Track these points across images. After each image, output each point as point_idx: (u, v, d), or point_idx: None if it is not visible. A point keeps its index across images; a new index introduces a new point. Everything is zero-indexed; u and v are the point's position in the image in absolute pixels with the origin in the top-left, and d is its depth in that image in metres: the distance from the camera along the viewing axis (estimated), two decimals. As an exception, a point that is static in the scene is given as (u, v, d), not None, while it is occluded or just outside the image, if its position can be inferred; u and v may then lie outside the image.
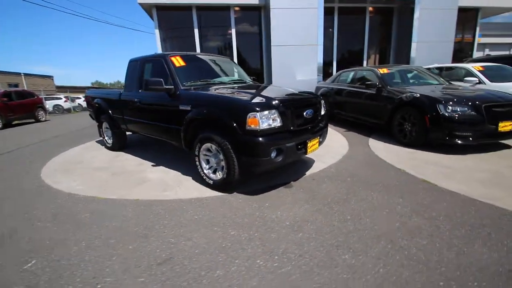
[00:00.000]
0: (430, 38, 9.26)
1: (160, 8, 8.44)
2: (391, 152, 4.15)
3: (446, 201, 2.48)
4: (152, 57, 3.82)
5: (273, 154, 2.54)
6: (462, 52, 11.01)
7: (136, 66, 3.94)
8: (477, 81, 5.57)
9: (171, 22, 8.95)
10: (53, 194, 3.09)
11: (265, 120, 2.49)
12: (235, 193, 2.87)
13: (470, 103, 3.86)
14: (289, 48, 8.48)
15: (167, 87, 3.20)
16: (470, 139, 3.83)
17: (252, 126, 2.47)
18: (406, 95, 4.44)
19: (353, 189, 2.83)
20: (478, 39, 11.14)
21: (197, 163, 3.07)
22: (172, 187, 3.13)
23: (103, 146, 5.41)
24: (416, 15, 9.03)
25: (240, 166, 2.67)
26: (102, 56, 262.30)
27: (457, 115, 3.83)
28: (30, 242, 2.08)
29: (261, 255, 1.80)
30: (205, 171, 3.04)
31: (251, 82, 4.05)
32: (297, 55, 8.52)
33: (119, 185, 3.28)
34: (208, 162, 3.05)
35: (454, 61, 9.93)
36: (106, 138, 5.11)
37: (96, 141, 6.14)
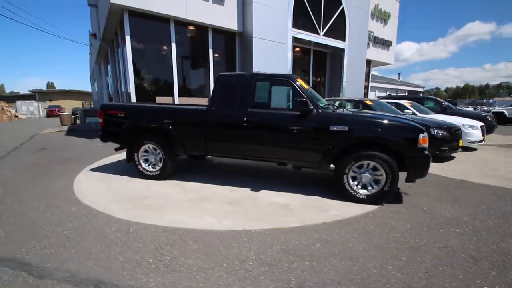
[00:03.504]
0: (352, 78, 12.37)
1: (133, 14, 7.28)
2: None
3: (496, 191, 3.84)
4: (270, 77, 3.65)
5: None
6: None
7: (239, 83, 3.61)
8: (412, 113, 8.14)
9: (145, 32, 7.83)
10: (222, 235, 2.44)
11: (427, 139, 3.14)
12: (383, 203, 3.26)
13: (445, 128, 5.83)
14: (267, 74, 9.21)
15: (311, 107, 3.26)
16: (447, 151, 5.76)
17: (422, 144, 3.06)
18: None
19: (448, 190, 3.82)
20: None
21: (345, 181, 3.26)
22: (322, 207, 3.14)
23: (124, 176, 4.23)
24: (345, 61, 11.91)
25: (396, 179, 3.13)
26: None
27: (441, 136, 5.68)
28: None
29: None
30: (354, 187, 3.26)
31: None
32: (273, 81, 9.35)
33: (266, 213, 2.95)
34: (354, 178, 3.29)
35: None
36: (144, 165, 4.05)
37: (92, 170, 4.62)
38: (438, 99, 11.07)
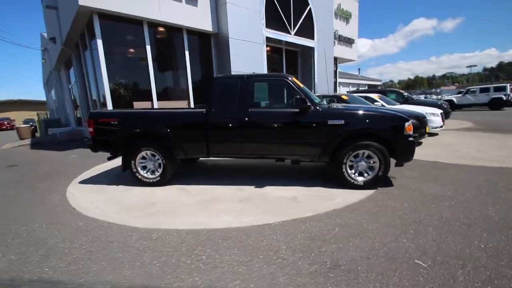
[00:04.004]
0: (322, 75, 13.00)
1: (104, 16, 6.91)
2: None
3: (464, 169, 4.44)
4: (267, 77, 3.79)
5: (415, 150, 3.61)
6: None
7: (237, 84, 3.69)
8: (380, 105, 8.86)
9: (118, 34, 7.47)
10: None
11: (411, 127, 3.54)
12: (378, 188, 3.60)
13: (415, 116, 6.49)
14: (245, 75, 9.35)
15: (309, 104, 3.48)
16: (417, 138, 6.42)
17: (408, 131, 3.45)
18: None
19: (426, 171, 4.32)
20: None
21: (344, 170, 3.55)
22: (327, 196, 3.38)
23: (120, 185, 4.09)
24: (315, 59, 12.50)
25: (388, 164, 3.49)
26: None
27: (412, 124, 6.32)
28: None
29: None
30: (352, 175, 3.57)
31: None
32: (251, 81, 9.51)
33: (278, 206, 3.12)
34: (351, 167, 3.59)
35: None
36: (142, 172, 3.97)
37: (81, 183, 4.38)
38: (400, 91, 12.13)
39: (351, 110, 3.69)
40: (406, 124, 3.45)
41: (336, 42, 14.90)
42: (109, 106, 7.22)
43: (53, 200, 3.66)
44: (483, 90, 17.60)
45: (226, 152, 3.87)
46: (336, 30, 14.54)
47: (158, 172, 3.96)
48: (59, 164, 6.04)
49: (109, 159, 4.20)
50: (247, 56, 9.39)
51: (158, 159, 3.91)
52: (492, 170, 4.20)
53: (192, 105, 8.97)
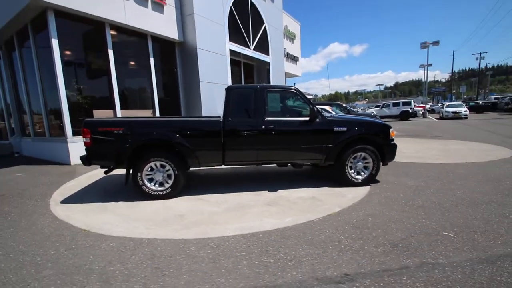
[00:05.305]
0: (276, 88, 13.98)
1: (60, 14, 6.02)
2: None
3: (420, 165, 5.63)
4: (278, 88, 4.07)
5: (395, 153, 4.44)
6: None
7: (252, 95, 3.86)
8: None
9: (74, 35, 6.56)
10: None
11: (392, 133, 4.37)
12: (371, 184, 4.29)
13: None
14: (212, 85, 9.38)
15: (317, 113, 3.94)
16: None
17: (392, 136, 4.25)
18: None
19: (395, 169, 5.29)
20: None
21: (346, 170, 4.11)
22: (339, 194, 3.86)
23: (120, 202, 3.72)
24: (271, 74, 13.41)
25: (379, 164, 4.23)
26: None
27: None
28: None
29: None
30: (352, 174, 4.15)
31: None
32: (218, 91, 9.60)
33: (306, 205, 3.41)
34: (351, 168, 4.18)
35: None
36: (149, 185, 3.70)
37: (64, 202, 3.76)
38: (342, 103, 14.06)
39: (349, 119, 4.32)
40: (390, 130, 4.25)
41: (285, 59, 16.27)
42: (65, 114, 6.23)
43: (46, 223, 3.06)
44: (395, 105, 21.75)
45: (242, 159, 3.97)
46: (285, 48, 15.91)
47: (168, 183, 3.75)
48: (7, 185, 4.89)
49: (106, 172, 3.75)
50: (214, 66, 9.48)
51: (169, 169, 3.72)
52: (436, 166, 5.44)
53: (157, 114, 8.47)
